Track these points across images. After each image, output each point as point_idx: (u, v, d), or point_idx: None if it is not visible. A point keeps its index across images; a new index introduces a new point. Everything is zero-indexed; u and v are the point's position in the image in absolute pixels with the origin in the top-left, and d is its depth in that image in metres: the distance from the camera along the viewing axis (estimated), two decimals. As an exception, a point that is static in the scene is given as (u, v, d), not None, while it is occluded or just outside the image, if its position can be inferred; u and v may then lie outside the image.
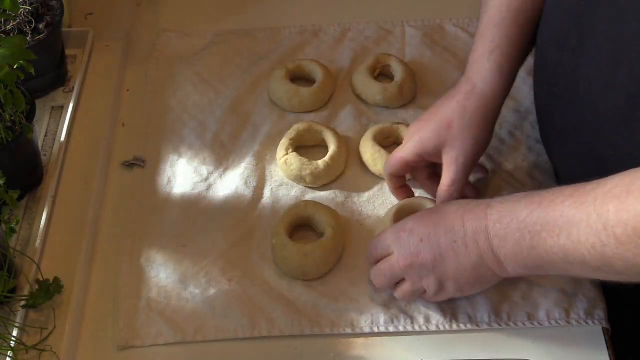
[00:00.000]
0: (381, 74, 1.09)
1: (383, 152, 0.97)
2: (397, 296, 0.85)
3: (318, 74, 1.07)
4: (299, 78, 1.09)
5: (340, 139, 1.00)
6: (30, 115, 0.93)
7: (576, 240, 0.68)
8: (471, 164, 0.89)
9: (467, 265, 0.78)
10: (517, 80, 0.93)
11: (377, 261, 0.85)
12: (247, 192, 0.97)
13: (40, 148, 1.01)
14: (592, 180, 0.70)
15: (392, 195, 0.96)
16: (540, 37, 0.89)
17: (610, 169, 0.69)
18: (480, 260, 0.77)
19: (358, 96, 1.07)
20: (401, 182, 0.95)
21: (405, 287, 0.83)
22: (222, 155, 1.02)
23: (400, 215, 0.90)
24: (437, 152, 0.89)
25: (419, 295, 0.84)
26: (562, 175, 0.95)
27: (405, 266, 0.81)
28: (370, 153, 0.98)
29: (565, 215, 0.69)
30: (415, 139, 0.91)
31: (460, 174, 0.88)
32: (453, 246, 0.78)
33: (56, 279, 0.86)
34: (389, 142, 1.01)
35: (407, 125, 0.99)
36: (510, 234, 0.74)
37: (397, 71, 1.07)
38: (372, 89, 1.05)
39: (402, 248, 0.81)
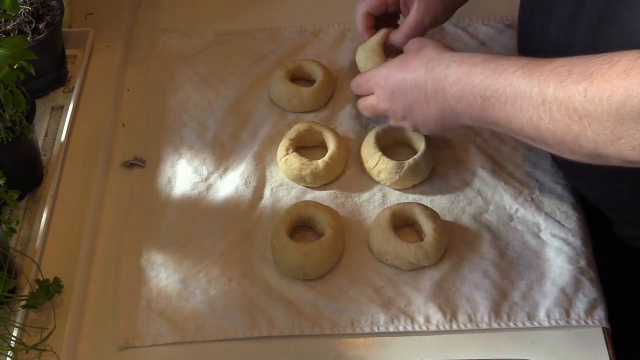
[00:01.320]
0: None
1: (385, 161, 0.96)
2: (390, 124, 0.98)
3: (318, 74, 1.07)
4: (299, 78, 1.09)
5: (340, 139, 1.00)
6: (30, 115, 0.93)
7: (518, 109, 0.74)
8: (429, 22, 1.00)
9: (431, 116, 0.87)
10: None
11: (362, 94, 0.98)
12: (247, 192, 0.97)
13: (40, 148, 1.01)
14: None
15: (391, 195, 0.96)
16: None
17: None
18: (442, 114, 0.86)
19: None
20: (372, 22, 1.05)
21: (389, 120, 0.96)
22: (222, 155, 1.02)
23: (395, 218, 0.91)
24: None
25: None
26: None
27: (384, 109, 0.94)
28: (373, 161, 0.97)
29: (513, 85, 0.74)
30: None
31: (419, 24, 1.00)
32: (417, 101, 0.87)
33: (56, 279, 0.86)
34: (390, 142, 1.00)
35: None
36: (465, 96, 0.81)
37: None
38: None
39: (379, 95, 0.93)
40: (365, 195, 0.97)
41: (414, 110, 0.88)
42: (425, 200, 0.96)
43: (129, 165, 1.01)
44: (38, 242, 0.90)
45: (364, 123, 1.04)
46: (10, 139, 0.90)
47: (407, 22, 1.00)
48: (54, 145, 1.03)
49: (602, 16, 0.77)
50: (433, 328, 0.85)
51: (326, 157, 0.97)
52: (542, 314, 0.85)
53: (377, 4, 1.03)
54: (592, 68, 0.67)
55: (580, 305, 0.85)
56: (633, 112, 0.64)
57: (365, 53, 1.03)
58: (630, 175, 0.78)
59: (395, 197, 0.96)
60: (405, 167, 0.95)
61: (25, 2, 1.04)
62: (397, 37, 1.01)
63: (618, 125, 0.65)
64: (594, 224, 0.94)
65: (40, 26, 1.04)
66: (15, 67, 0.86)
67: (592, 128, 0.67)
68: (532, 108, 0.72)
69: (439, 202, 0.96)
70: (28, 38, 1.02)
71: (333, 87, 1.08)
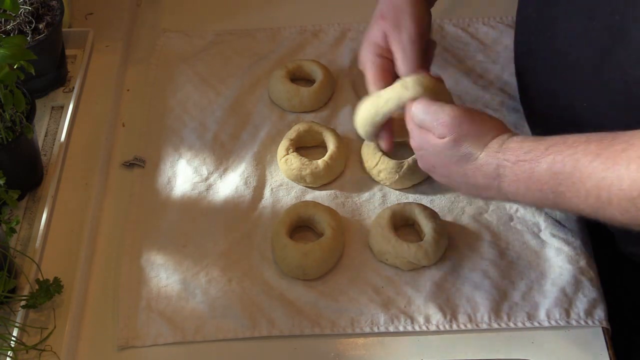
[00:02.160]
0: None
1: (386, 160, 0.96)
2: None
3: (318, 74, 1.07)
4: (299, 78, 1.09)
5: (340, 139, 1.00)
6: (30, 115, 0.93)
7: (606, 202, 0.67)
8: (418, 39, 0.89)
9: (464, 188, 0.81)
10: (516, 79, 0.94)
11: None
12: (247, 192, 0.97)
13: (40, 148, 1.01)
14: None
15: (391, 195, 0.96)
16: None
17: (585, 125, 0.70)
18: (495, 197, 0.79)
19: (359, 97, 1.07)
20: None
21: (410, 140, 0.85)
22: (222, 155, 1.02)
23: (395, 218, 0.91)
24: (388, 45, 0.90)
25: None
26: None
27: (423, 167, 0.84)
28: (374, 161, 0.97)
29: (593, 178, 0.67)
30: (365, 44, 0.92)
31: (408, 50, 0.88)
32: (461, 180, 0.80)
33: (56, 279, 0.86)
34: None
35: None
36: (530, 193, 0.73)
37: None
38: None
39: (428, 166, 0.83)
40: (365, 195, 0.97)
41: (452, 179, 0.81)
42: (425, 200, 0.96)
43: (129, 165, 1.01)
44: (38, 242, 0.90)
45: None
46: (10, 139, 0.90)
47: (404, 50, 0.89)
48: (54, 145, 1.03)
49: (612, 36, 0.76)
50: (433, 328, 0.85)
51: (326, 157, 0.97)
52: (542, 314, 0.85)
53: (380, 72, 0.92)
54: None
55: (580, 305, 0.85)
56: None
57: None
58: None
59: (395, 197, 0.96)
60: (405, 167, 0.95)
61: (25, 2, 1.04)
62: (403, 70, 0.89)
63: None
64: (594, 223, 0.94)
65: (40, 26, 1.04)
66: (15, 67, 0.86)
67: None
68: (626, 201, 0.65)
69: (439, 202, 0.96)
70: (28, 38, 1.02)
71: (333, 87, 1.08)
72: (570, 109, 0.83)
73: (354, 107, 1.05)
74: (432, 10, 1.07)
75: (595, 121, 0.69)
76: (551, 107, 0.88)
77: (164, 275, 0.90)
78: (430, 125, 0.79)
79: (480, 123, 0.78)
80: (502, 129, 0.78)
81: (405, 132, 0.85)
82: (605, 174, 0.66)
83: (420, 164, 0.85)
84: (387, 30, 0.89)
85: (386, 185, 0.97)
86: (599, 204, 0.68)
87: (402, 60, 0.88)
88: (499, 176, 0.75)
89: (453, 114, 0.78)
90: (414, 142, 0.83)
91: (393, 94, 0.85)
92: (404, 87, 0.84)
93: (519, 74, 0.96)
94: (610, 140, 0.68)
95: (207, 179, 0.99)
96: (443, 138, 0.78)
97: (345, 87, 1.09)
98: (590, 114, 0.80)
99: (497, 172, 0.75)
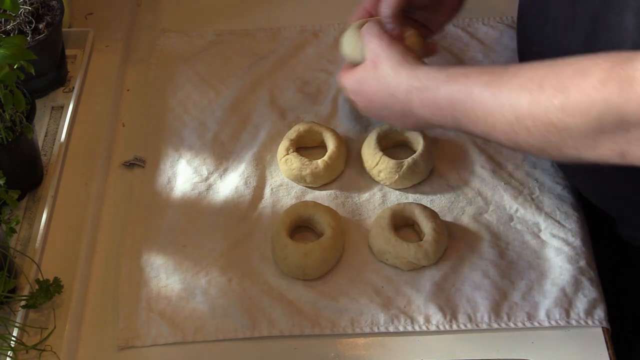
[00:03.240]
0: None
1: (386, 160, 0.96)
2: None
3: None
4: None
5: (340, 139, 1.00)
6: (30, 115, 0.93)
7: (492, 127, 0.74)
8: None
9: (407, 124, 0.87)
10: None
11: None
12: (247, 192, 0.97)
13: (40, 148, 1.01)
14: None
15: (391, 195, 0.96)
16: None
17: None
18: (418, 124, 0.85)
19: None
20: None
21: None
22: (222, 155, 1.02)
23: (395, 218, 0.91)
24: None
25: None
26: None
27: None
28: (374, 161, 0.97)
29: (483, 106, 0.74)
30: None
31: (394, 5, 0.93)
32: (386, 116, 0.87)
33: (56, 279, 0.86)
34: (390, 143, 1.00)
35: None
36: (436, 117, 0.80)
37: None
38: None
39: (356, 98, 0.90)
40: (365, 195, 0.97)
41: (383, 118, 0.89)
42: (425, 200, 0.96)
43: (129, 165, 1.01)
44: (38, 242, 0.90)
45: (364, 123, 1.04)
46: (10, 139, 0.90)
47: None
48: (54, 145, 1.03)
49: (594, 21, 0.77)
50: (433, 328, 0.85)
51: (326, 157, 0.97)
52: (542, 314, 0.85)
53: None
54: (564, 81, 0.66)
55: (580, 305, 0.85)
56: (614, 121, 0.64)
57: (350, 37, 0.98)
58: (631, 175, 0.78)
59: (395, 197, 0.96)
60: (405, 166, 0.95)
61: (25, 2, 1.04)
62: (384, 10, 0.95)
63: (599, 134, 0.66)
64: (594, 223, 0.94)
65: (40, 26, 1.04)
66: (15, 67, 0.86)
67: (573, 139, 0.68)
68: (507, 126, 0.72)
69: (439, 202, 0.96)
70: (28, 38, 1.02)
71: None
72: None
73: (354, 107, 1.05)
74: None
75: None
76: None
77: (164, 275, 0.90)
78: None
79: (398, 51, 0.84)
80: (417, 59, 0.83)
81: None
82: (492, 101, 0.72)
83: (359, 106, 0.91)
84: None
85: (386, 185, 0.97)
86: (488, 129, 0.74)
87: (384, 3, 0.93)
88: (410, 102, 0.81)
89: (377, 41, 0.86)
90: (348, 81, 0.90)
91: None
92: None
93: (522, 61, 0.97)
94: (501, 72, 0.73)
95: (207, 179, 0.99)
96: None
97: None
98: None
99: (408, 97, 0.81)
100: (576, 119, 0.66)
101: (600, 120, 0.64)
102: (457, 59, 1.12)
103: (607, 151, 0.67)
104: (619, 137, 0.65)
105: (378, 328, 0.85)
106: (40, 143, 1.03)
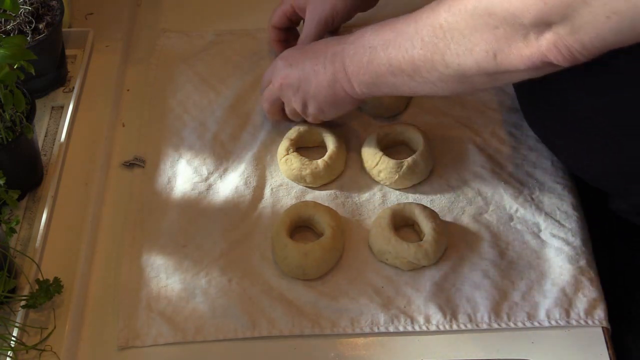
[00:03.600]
0: None
1: (386, 160, 0.96)
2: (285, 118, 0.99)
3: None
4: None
5: (340, 139, 1.00)
6: (30, 115, 0.93)
7: (397, 47, 0.80)
8: (324, 24, 1.04)
9: (323, 83, 0.90)
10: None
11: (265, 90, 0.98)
12: (247, 192, 0.97)
13: (40, 148, 1.01)
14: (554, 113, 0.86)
15: (391, 195, 0.96)
16: None
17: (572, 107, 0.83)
18: (334, 78, 0.88)
19: None
20: (281, 36, 1.10)
21: (285, 109, 0.98)
22: (222, 155, 1.02)
23: (395, 218, 0.91)
24: (304, 7, 1.05)
25: (296, 115, 0.97)
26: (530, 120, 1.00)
27: (278, 88, 0.95)
28: (374, 161, 0.96)
29: (396, 28, 0.81)
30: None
31: (312, 31, 1.04)
32: (314, 68, 0.90)
33: (56, 279, 0.86)
34: (391, 143, 1.00)
35: (407, 125, 1.00)
36: (357, 52, 0.85)
37: None
38: (365, 104, 1.04)
39: (276, 73, 0.95)
40: (365, 195, 0.97)
41: (308, 79, 0.91)
42: (425, 200, 0.96)
43: (129, 165, 1.01)
44: (38, 242, 0.90)
45: (364, 123, 1.04)
46: (10, 139, 0.90)
47: (304, 31, 1.05)
48: (54, 145, 1.03)
49: None
50: (433, 328, 0.85)
51: (326, 157, 0.97)
52: (542, 314, 0.85)
53: (279, 18, 1.08)
54: None
55: (580, 305, 0.85)
56: (483, 16, 0.71)
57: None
58: (616, 144, 0.82)
59: (395, 197, 0.96)
60: (405, 166, 0.95)
61: (25, 2, 1.04)
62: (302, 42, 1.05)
63: (474, 32, 0.72)
64: (594, 224, 0.94)
65: (40, 26, 1.04)
66: (15, 67, 0.86)
67: (455, 40, 0.74)
68: (408, 41, 0.78)
69: (439, 202, 0.96)
70: (28, 38, 1.02)
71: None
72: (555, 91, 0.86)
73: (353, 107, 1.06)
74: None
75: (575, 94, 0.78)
76: (539, 88, 0.90)
77: (164, 275, 0.90)
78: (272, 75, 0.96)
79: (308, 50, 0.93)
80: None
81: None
82: (404, 25, 0.80)
83: (287, 105, 0.97)
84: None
85: (386, 185, 0.97)
86: (393, 52, 0.81)
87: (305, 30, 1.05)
88: (345, 40, 0.88)
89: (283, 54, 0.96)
90: (274, 83, 0.96)
91: None
92: None
93: None
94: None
95: (207, 179, 0.99)
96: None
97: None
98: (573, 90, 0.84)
99: (344, 37, 0.88)
100: (457, 17, 0.73)
101: (474, 14, 0.72)
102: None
103: (482, 54, 0.73)
104: (488, 34, 0.71)
105: (378, 328, 0.85)
106: (40, 143, 1.03)
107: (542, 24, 0.68)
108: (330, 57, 0.88)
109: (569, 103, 0.85)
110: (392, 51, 0.81)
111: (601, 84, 0.80)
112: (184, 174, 0.99)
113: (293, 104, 0.95)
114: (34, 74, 0.88)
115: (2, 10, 0.90)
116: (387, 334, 0.85)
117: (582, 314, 0.85)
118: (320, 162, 0.97)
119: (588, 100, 0.83)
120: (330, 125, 1.03)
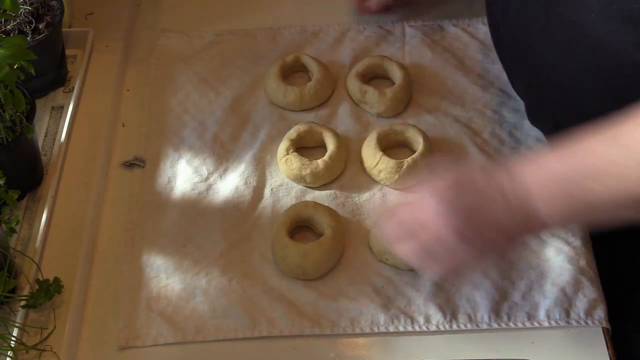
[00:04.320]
0: (376, 76, 1.09)
1: (386, 160, 0.96)
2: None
3: (315, 70, 1.07)
4: (298, 71, 1.10)
5: (340, 139, 1.00)
6: (30, 115, 0.93)
7: (624, 179, 0.64)
8: None
9: (496, 221, 0.71)
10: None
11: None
12: (247, 192, 0.97)
13: (40, 148, 1.01)
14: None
15: (391, 195, 0.96)
16: None
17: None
18: (514, 214, 0.70)
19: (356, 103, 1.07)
20: None
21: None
22: (222, 155, 1.02)
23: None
24: None
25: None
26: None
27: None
28: (374, 161, 0.97)
29: (602, 155, 0.65)
30: None
31: None
32: (487, 202, 0.71)
33: (56, 279, 0.86)
34: (391, 143, 1.00)
35: (407, 125, 1.00)
36: (552, 192, 0.68)
37: (394, 74, 1.07)
38: (365, 104, 1.05)
39: (434, 192, 0.73)
40: (365, 195, 0.97)
41: (480, 212, 0.71)
42: (425, 200, 0.96)
43: (129, 165, 1.01)
44: (38, 242, 0.90)
45: (364, 123, 1.04)
46: (10, 139, 0.90)
47: None
48: (54, 145, 1.03)
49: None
50: (433, 328, 0.85)
51: (326, 157, 0.97)
52: (542, 314, 0.85)
53: None
54: None
55: (580, 305, 0.85)
56: None
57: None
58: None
59: (395, 197, 0.96)
60: (405, 167, 0.95)
61: (25, 2, 1.04)
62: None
63: None
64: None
65: (40, 26, 1.04)
66: (15, 67, 0.86)
67: None
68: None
69: (439, 202, 0.95)
70: (28, 38, 1.02)
71: (332, 85, 1.08)
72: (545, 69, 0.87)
73: (353, 107, 1.06)
74: (432, 10, 1.09)
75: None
76: (529, 64, 0.91)
77: (164, 275, 0.90)
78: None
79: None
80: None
81: None
82: (612, 149, 0.65)
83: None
84: None
85: (386, 185, 0.97)
86: (614, 183, 0.65)
87: None
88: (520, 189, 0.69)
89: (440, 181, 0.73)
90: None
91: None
92: None
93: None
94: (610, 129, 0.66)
95: (207, 179, 0.99)
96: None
97: (346, 87, 1.09)
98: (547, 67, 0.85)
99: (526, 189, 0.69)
100: None
101: None
102: (457, 59, 1.12)
103: None
104: None
105: (378, 328, 0.85)
106: (40, 143, 1.03)
107: None
108: (500, 196, 0.70)
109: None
110: (612, 182, 0.65)
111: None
112: (184, 174, 0.99)
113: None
114: (34, 74, 0.88)
115: (2, 10, 0.90)
116: (387, 334, 0.85)
117: (582, 314, 0.85)
118: (320, 162, 0.97)
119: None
120: (330, 125, 1.03)
